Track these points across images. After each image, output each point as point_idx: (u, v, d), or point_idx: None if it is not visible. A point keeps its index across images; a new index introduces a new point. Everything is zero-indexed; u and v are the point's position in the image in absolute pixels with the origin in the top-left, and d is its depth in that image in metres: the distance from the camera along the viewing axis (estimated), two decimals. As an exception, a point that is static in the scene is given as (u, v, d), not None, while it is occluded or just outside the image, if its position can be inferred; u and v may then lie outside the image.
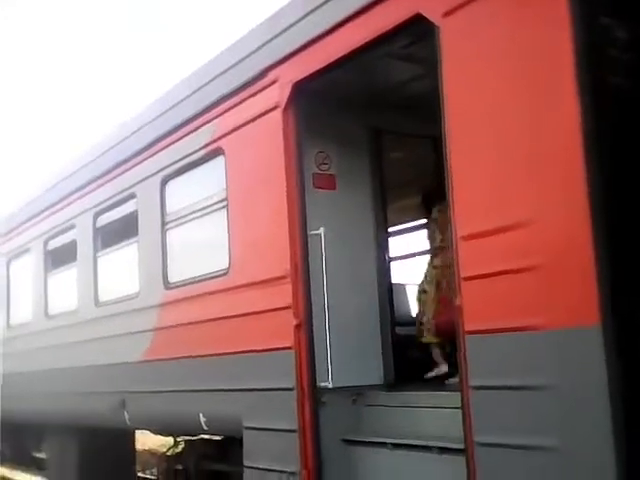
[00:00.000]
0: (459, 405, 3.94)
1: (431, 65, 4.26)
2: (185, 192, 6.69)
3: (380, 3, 4.50)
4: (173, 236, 6.78)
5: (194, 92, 6.46)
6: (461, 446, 3.96)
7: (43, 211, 9.58)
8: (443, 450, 4.41)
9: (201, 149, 6.27)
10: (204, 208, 6.32)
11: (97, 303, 8.05)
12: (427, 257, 6.21)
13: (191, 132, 6.42)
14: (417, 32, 4.46)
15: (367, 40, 4.59)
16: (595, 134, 3.32)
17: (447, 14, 4.05)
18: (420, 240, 6.70)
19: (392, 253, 6.42)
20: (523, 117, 3.66)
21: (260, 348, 5.40)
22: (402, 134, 6.29)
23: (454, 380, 4.54)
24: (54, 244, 9.38)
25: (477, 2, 3.90)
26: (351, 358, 5.51)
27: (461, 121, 3.99)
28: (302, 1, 5.27)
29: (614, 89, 3.65)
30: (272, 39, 5.48)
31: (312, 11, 5.09)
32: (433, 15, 4.12)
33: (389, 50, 4.93)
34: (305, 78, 5.12)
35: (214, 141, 6.11)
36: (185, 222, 6.59)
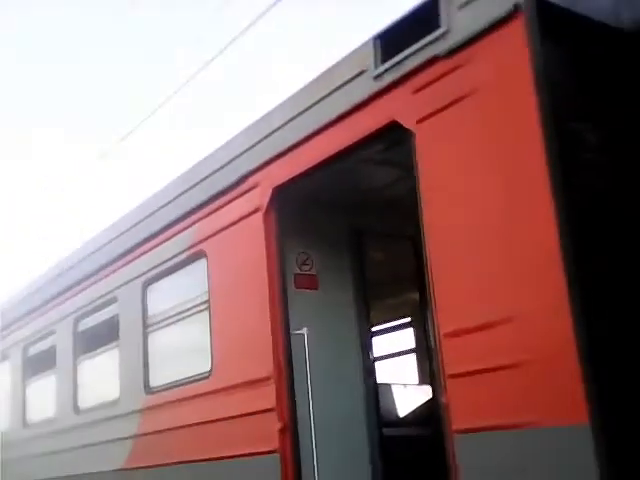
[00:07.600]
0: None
1: (407, 168, 4.40)
2: (167, 295, 6.69)
3: (357, 111, 4.68)
4: (155, 340, 6.73)
5: (176, 197, 6.57)
6: None
7: (24, 316, 9.48)
8: None
9: (183, 252, 6.32)
10: (186, 311, 6.30)
11: (76, 410, 7.87)
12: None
13: (173, 236, 6.49)
14: (393, 138, 4.62)
15: (345, 146, 4.75)
16: (571, 233, 3.42)
17: (421, 120, 4.22)
18: (403, 339, 6.70)
19: (376, 352, 6.40)
20: (498, 217, 3.77)
21: (244, 452, 5.28)
22: (382, 234, 6.39)
23: None
24: (34, 350, 9.23)
25: (449, 110, 4.07)
26: (338, 461, 5.41)
27: (438, 221, 4.09)
28: (282, 109, 5.47)
29: (587, 190, 3.78)
30: (252, 146, 5.63)
31: (292, 119, 5.27)
32: (408, 122, 4.29)
33: (367, 155, 5.07)
34: (285, 183, 5.25)
35: (196, 244, 6.17)
36: (167, 325, 6.56)
